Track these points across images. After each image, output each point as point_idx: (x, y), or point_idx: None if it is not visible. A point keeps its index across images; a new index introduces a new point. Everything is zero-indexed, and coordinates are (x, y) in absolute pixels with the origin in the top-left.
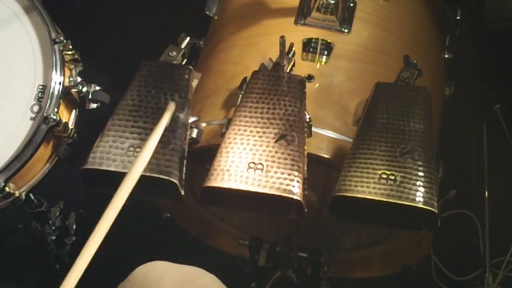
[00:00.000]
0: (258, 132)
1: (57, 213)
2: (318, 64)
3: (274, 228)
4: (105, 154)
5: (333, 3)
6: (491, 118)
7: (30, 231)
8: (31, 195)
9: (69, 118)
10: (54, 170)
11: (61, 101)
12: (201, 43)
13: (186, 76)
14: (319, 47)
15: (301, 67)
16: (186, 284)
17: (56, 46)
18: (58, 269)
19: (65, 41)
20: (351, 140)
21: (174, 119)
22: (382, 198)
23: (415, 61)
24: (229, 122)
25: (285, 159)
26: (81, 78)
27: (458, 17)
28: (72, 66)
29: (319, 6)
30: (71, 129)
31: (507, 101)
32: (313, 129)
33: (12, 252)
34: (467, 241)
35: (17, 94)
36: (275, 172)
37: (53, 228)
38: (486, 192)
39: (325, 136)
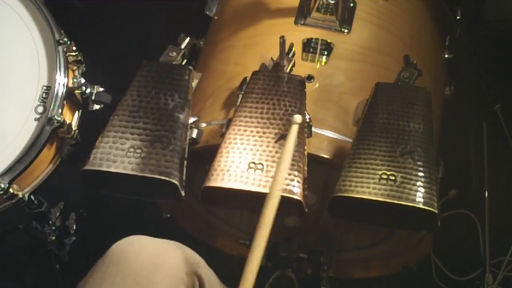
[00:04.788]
0: (258, 132)
1: (57, 214)
2: (318, 64)
3: (274, 228)
4: (105, 155)
5: (333, 3)
6: (491, 118)
7: (30, 231)
8: (31, 195)
9: (72, 119)
10: (55, 171)
11: (65, 102)
12: (201, 43)
13: (186, 77)
14: (319, 47)
15: (301, 67)
16: (163, 256)
17: (60, 48)
18: (58, 269)
19: (68, 42)
20: (351, 140)
21: (174, 120)
22: (382, 199)
23: (415, 61)
24: (229, 122)
25: None
26: (84, 79)
27: (458, 17)
28: (76, 67)
29: (319, 6)
30: (75, 130)
31: (507, 101)
32: (313, 129)
33: (12, 252)
34: (467, 241)
35: (21, 95)
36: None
37: (53, 228)
38: (486, 192)
39: (325, 136)
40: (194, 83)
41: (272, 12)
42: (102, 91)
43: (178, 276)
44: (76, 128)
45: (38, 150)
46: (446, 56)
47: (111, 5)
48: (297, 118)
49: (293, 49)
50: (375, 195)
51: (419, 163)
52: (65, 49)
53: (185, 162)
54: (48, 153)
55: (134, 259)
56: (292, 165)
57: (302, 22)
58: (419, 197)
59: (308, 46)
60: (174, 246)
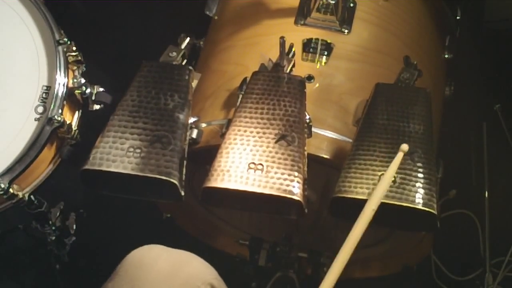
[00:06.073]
0: (258, 132)
1: (57, 214)
2: (318, 65)
3: (274, 228)
4: (105, 155)
5: (333, 3)
6: (491, 118)
7: (30, 231)
8: (31, 195)
9: (72, 119)
10: (55, 171)
11: (65, 102)
12: (201, 43)
13: (186, 77)
14: (319, 48)
15: (301, 67)
16: (179, 265)
17: (60, 48)
18: (58, 269)
19: (68, 42)
20: (351, 140)
21: (174, 120)
22: (381, 200)
23: (415, 62)
24: (229, 123)
25: (285, 159)
26: (84, 79)
27: (458, 17)
28: (76, 67)
29: (319, 7)
30: (75, 130)
31: (507, 101)
32: (313, 129)
33: (12, 252)
34: (467, 241)
35: (21, 95)
36: (275, 173)
37: (53, 228)
38: (486, 192)
39: (325, 137)
40: (194, 83)
41: (272, 12)
42: (102, 91)
43: (194, 285)
44: (76, 128)
45: (38, 150)
46: (446, 56)
47: (111, 5)
48: (404, 147)
49: (293, 49)
50: None
51: (419, 164)
52: (65, 49)
53: (185, 162)
54: (48, 153)
55: (153, 264)
56: (292, 165)
57: (302, 22)
58: (418, 198)
59: (308, 46)
60: (191, 256)
